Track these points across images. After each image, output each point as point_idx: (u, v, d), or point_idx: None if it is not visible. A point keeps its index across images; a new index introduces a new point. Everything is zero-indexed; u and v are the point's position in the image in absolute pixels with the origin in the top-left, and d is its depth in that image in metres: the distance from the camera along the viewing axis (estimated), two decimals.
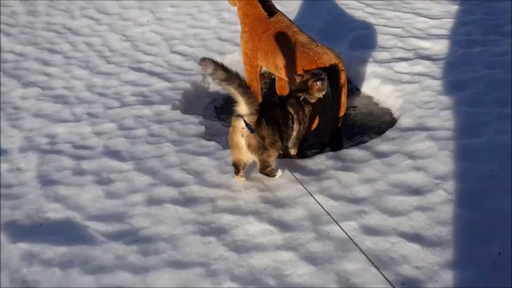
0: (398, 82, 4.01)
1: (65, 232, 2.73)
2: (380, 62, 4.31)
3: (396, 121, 3.64)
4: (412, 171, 3.01)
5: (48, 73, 4.38)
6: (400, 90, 3.92)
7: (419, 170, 3.01)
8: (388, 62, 4.28)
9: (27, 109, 3.91)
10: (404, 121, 3.55)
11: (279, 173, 3.01)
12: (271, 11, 3.77)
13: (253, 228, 2.68)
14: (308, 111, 3.13)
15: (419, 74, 4.05)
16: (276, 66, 3.66)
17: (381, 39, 4.68)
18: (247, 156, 2.91)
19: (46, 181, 3.12)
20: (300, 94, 3.08)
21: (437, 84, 3.87)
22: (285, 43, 3.57)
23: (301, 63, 3.36)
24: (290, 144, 3.17)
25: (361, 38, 4.72)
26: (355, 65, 4.35)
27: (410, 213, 2.70)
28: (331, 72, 3.30)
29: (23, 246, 2.63)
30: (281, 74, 3.64)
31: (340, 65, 3.36)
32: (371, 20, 5.05)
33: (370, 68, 4.26)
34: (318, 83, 3.07)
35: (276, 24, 3.71)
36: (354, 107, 4.04)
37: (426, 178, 2.95)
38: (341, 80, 3.39)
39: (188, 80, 4.30)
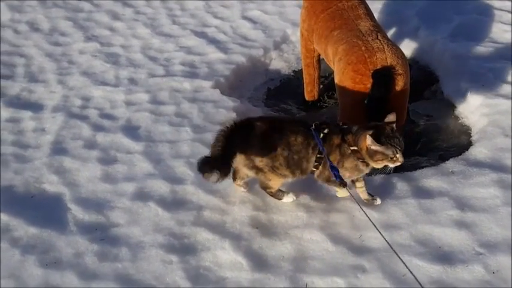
0: (493, 93, 3.08)
1: (47, 211, 2.61)
2: (481, 59, 3.36)
3: (469, 148, 2.80)
4: (452, 227, 2.28)
5: (113, 28, 4.27)
6: (491, 105, 3.00)
7: (462, 228, 2.26)
8: (491, 62, 3.31)
9: (79, 65, 3.85)
10: (477, 151, 2.71)
11: (289, 198, 2.47)
12: None
13: (224, 257, 2.28)
14: (352, 162, 2.27)
15: None
16: (327, 55, 3.02)
17: (496, 30, 3.65)
18: (244, 170, 2.45)
19: (57, 149, 3.03)
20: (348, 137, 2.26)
21: None
22: (341, 29, 2.90)
23: (349, 59, 2.70)
24: (333, 182, 2.33)
25: (470, 26, 3.73)
26: (448, 60, 3.46)
27: None
28: (381, 75, 2.60)
29: (3, 217, 2.57)
30: (331, 66, 3.00)
31: (398, 67, 2.62)
32: (494, 1, 3.95)
33: (464, 67, 3.34)
34: (374, 143, 2.14)
35: (339, 2, 3.03)
36: (428, 116, 3.23)
37: (467, 242, 2.20)
38: (396, 87, 2.65)
39: (247, 53, 3.84)
